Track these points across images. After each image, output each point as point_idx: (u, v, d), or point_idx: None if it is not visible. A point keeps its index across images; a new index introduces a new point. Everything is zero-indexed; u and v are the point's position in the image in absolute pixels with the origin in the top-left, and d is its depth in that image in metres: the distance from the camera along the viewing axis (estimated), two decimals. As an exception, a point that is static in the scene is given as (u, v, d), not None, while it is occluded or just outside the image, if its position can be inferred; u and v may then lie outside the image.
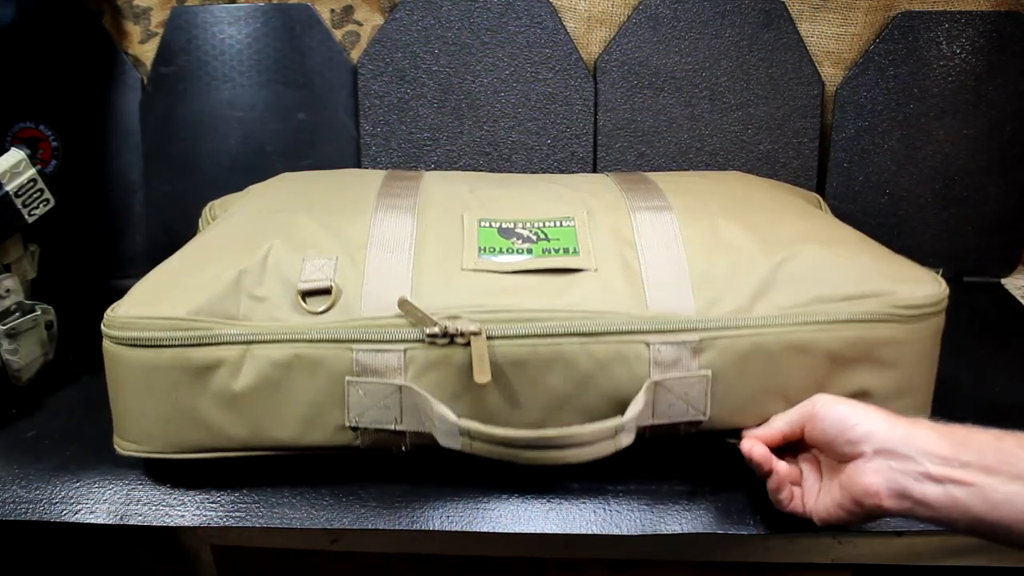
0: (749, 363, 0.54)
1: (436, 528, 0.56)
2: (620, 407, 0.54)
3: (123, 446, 0.56)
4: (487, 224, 0.58)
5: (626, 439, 0.52)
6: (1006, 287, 0.88)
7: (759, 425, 0.56)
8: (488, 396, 0.54)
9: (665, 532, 0.55)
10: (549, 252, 0.56)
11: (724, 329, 0.53)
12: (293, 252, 0.56)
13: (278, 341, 0.53)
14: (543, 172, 0.88)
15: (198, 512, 0.56)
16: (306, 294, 0.54)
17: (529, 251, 0.56)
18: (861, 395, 0.55)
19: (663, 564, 0.76)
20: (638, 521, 0.56)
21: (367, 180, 0.66)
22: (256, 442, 0.55)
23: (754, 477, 0.58)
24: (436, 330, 0.52)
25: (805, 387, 0.55)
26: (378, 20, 0.87)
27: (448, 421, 0.51)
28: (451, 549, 0.63)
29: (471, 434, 0.51)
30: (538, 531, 0.56)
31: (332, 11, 0.87)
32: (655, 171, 0.76)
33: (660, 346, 0.53)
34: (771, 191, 0.67)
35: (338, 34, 0.87)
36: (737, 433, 0.57)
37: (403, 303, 0.52)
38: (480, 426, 0.51)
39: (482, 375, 0.51)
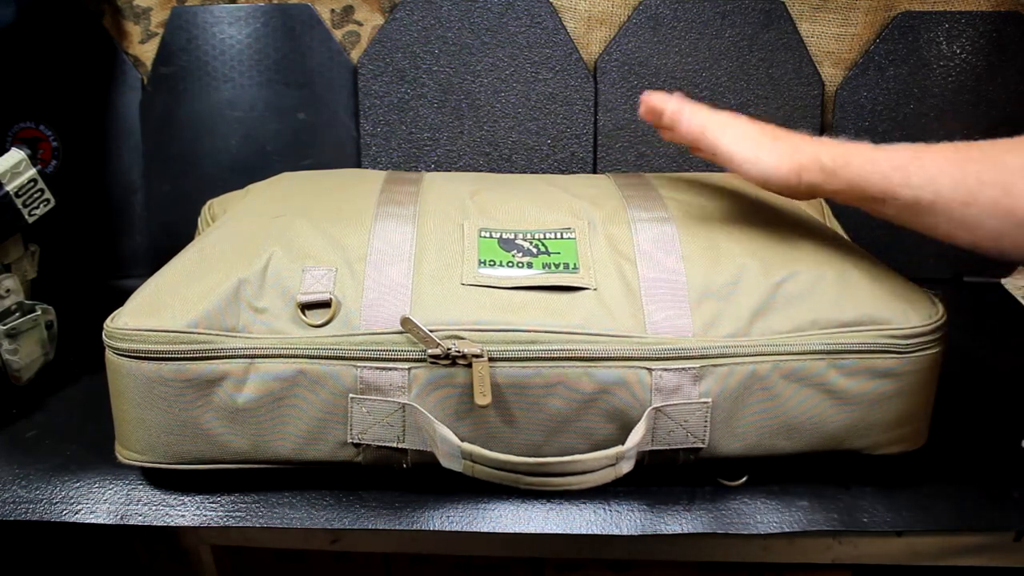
0: (748, 391, 0.54)
1: (436, 528, 0.56)
2: (620, 429, 0.54)
3: (124, 455, 0.56)
4: (487, 235, 0.58)
5: (626, 466, 0.53)
6: (1006, 287, 0.88)
7: (758, 456, 0.56)
8: (489, 417, 0.54)
9: (665, 532, 0.55)
10: (549, 267, 0.56)
11: (723, 357, 0.54)
12: (292, 262, 0.56)
13: (282, 356, 0.53)
14: (543, 172, 0.88)
15: (198, 512, 0.56)
16: (305, 307, 0.54)
17: (529, 265, 0.56)
18: (861, 426, 0.56)
19: (663, 564, 0.76)
20: (638, 521, 0.56)
21: (367, 182, 0.66)
22: (257, 455, 0.55)
23: (753, 478, 0.58)
24: (439, 351, 0.52)
25: (805, 416, 0.55)
26: (378, 20, 0.87)
27: (450, 443, 0.52)
28: (451, 549, 0.63)
29: (473, 458, 0.52)
30: (538, 531, 0.56)
31: (332, 11, 0.87)
32: (656, 171, 0.76)
33: (662, 372, 0.53)
34: (774, 197, 0.67)
35: (338, 34, 0.87)
36: (732, 469, 0.57)
37: (405, 321, 0.52)
38: (482, 451, 0.51)
39: (483, 397, 0.52)
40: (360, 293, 0.55)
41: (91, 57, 0.87)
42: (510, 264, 0.56)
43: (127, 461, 0.56)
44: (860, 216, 0.88)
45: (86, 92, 0.87)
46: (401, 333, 0.53)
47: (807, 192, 0.54)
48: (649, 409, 0.53)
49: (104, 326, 0.54)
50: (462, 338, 0.53)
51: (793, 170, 0.54)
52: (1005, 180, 0.46)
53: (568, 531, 0.56)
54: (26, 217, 0.65)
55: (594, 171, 0.88)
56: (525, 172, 0.88)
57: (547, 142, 0.87)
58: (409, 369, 0.53)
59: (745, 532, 0.55)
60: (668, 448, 0.55)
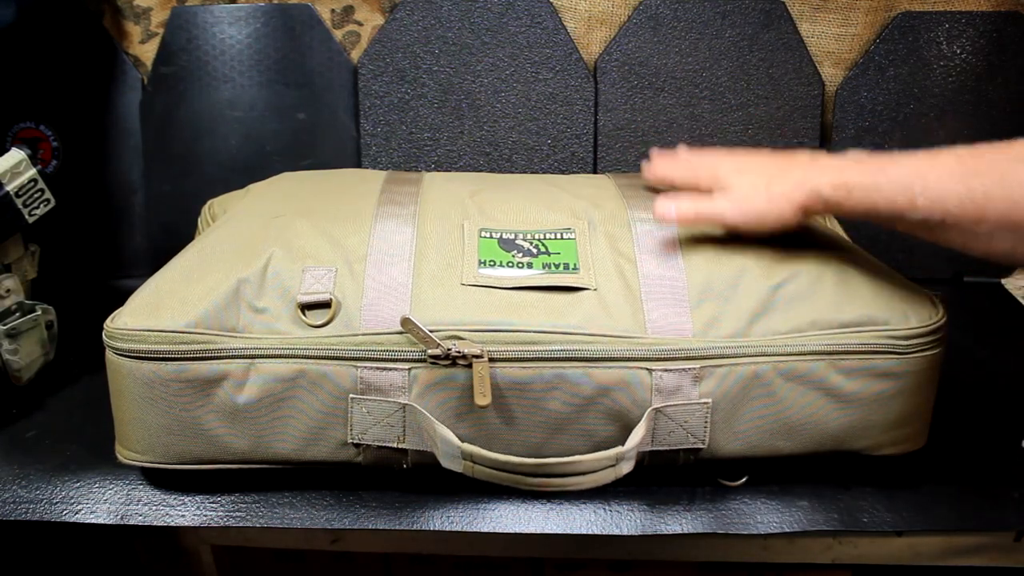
0: (747, 392, 0.54)
1: (436, 528, 0.56)
2: (620, 430, 0.54)
3: (124, 455, 0.56)
4: (487, 235, 0.58)
5: (626, 467, 0.53)
6: (1006, 287, 0.88)
7: (758, 456, 0.56)
8: (489, 417, 0.54)
9: (665, 532, 0.55)
10: (550, 267, 0.56)
11: (723, 357, 0.54)
12: (293, 262, 0.56)
13: (282, 356, 0.53)
14: (543, 172, 0.88)
15: (198, 512, 0.56)
16: (305, 307, 0.54)
17: (529, 265, 0.56)
18: (861, 426, 0.56)
19: (663, 564, 0.76)
20: (638, 521, 0.56)
21: (367, 182, 0.66)
22: (257, 455, 0.55)
23: (753, 478, 0.58)
24: (439, 351, 0.52)
25: (804, 416, 0.55)
26: (378, 20, 0.87)
27: (450, 444, 0.52)
28: (451, 549, 0.63)
29: (473, 458, 0.52)
30: (538, 531, 0.56)
31: (332, 11, 0.87)
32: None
33: (662, 373, 0.53)
34: None
35: (338, 34, 0.87)
36: (732, 469, 0.57)
37: (405, 322, 0.52)
38: (482, 451, 0.51)
39: (482, 398, 0.52)
40: (360, 293, 0.55)
41: (91, 57, 0.87)
42: (510, 264, 0.56)
43: (127, 461, 0.56)
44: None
45: (86, 92, 0.87)
46: (401, 333, 0.53)
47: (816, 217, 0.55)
48: (649, 410, 0.53)
49: (104, 326, 0.54)
50: (462, 338, 0.53)
51: (796, 214, 0.54)
52: (1013, 195, 0.45)
53: (568, 531, 0.56)
54: (26, 217, 0.65)
55: (594, 171, 0.88)
56: (525, 172, 0.88)
57: (547, 142, 0.87)
58: (409, 369, 0.53)
59: (745, 532, 0.55)
60: (668, 448, 0.55)
